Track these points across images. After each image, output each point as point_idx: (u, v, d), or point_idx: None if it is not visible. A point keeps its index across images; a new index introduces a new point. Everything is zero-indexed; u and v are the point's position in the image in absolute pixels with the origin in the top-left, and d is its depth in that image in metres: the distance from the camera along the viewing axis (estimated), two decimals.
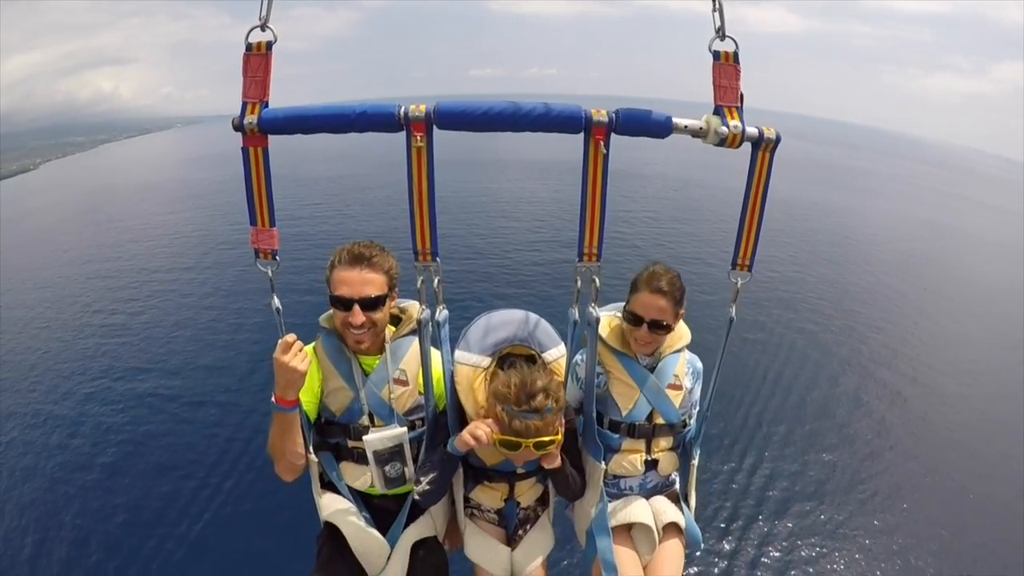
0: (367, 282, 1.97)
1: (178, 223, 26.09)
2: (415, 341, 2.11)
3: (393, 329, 2.18)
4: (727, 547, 7.93)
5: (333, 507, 2.12)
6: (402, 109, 1.58)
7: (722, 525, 8.22)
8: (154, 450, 9.64)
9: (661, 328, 2.15)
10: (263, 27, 1.55)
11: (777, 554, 7.87)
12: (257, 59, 1.59)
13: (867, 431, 10.69)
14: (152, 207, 31.03)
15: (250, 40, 1.57)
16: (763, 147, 1.69)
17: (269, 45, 1.58)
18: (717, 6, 1.55)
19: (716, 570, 7.59)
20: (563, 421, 1.96)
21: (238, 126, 1.61)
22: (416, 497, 2.05)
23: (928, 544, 8.15)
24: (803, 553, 7.91)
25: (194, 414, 10.54)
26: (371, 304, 1.98)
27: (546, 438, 1.83)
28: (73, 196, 41.48)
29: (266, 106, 1.62)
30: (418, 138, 1.58)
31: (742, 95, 1.63)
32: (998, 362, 14.18)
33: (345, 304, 1.97)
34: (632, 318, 2.15)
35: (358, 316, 1.98)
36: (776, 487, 9.02)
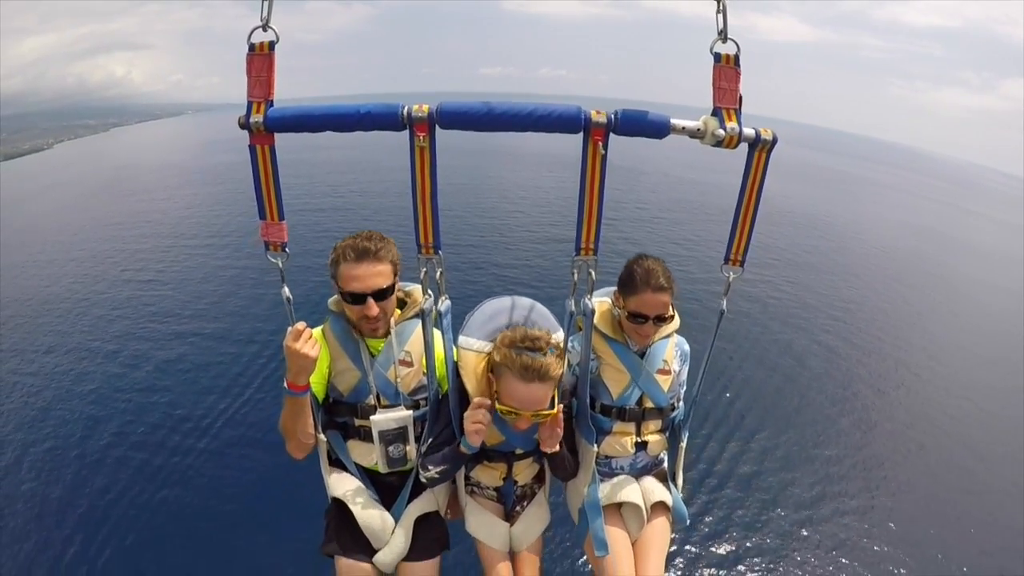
0: (376, 274, 2.05)
1: (203, 198, 26.31)
2: (419, 324, 2.20)
3: (399, 312, 2.26)
4: (710, 521, 7.96)
5: (341, 484, 2.25)
6: (405, 109, 1.60)
7: (705, 501, 8.24)
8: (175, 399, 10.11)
9: (664, 320, 2.24)
10: (264, 27, 1.56)
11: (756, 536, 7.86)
12: (260, 59, 1.61)
13: (849, 413, 10.68)
14: (176, 183, 31.29)
15: (252, 40, 1.58)
16: (759, 148, 1.72)
17: (271, 45, 1.60)
18: (721, 8, 1.57)
19: (698, 535, 7.64)
20: (562, 407, 2.06)
21: (244, 125, 1.64)
22: (423, 480, 2.18)
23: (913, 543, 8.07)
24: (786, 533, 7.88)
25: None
26: (382, 294, 2.08)
27: (544, 411, 1.98)
28: (95, 171, 41.53)
29: (271, 105, 1.64)
30: (421, 138, 1.61)
31: (741, 97, 1.64)
32: (993, 363, 14.10)
33: (358, 298, 2.06)
34: (637, 317, 2.20)
35: (373, 308, 2.08)
36: (755, 466, 9.00)
